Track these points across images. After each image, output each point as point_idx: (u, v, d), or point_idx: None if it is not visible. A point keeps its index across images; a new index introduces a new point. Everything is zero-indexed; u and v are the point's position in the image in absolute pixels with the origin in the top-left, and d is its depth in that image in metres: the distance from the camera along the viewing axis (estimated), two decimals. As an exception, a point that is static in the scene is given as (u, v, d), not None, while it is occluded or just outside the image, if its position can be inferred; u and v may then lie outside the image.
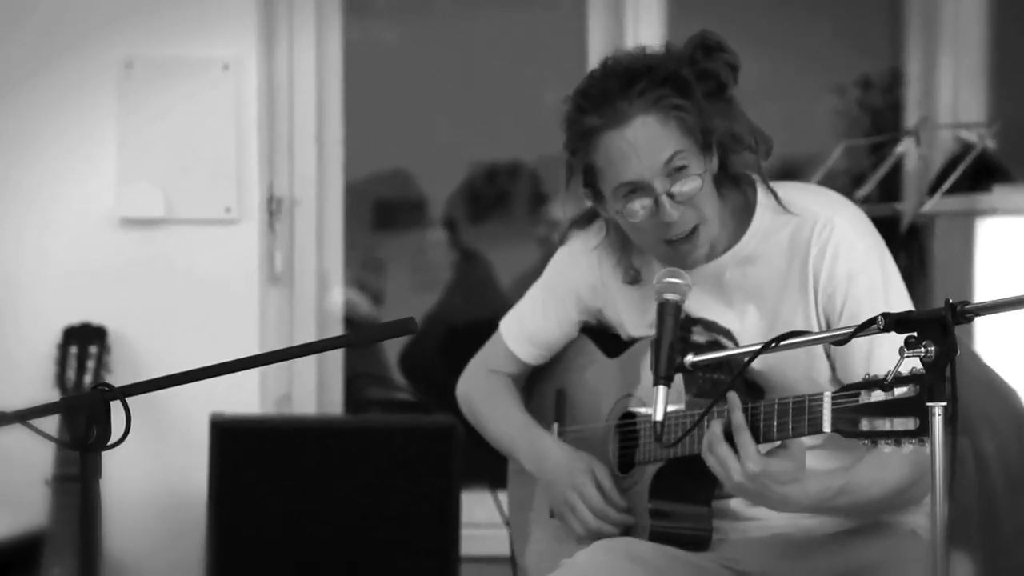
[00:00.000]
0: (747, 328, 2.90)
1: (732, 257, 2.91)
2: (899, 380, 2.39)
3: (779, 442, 2.65)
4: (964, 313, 2.30)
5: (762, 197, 2.91)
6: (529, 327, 3.20)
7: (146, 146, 4.42)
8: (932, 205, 4.41)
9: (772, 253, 2.89)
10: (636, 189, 2.81)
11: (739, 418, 2.64)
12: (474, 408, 3.27)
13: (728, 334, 2.91)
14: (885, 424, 2.42)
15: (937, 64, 4.83)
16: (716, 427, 2.66)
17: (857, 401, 2.46)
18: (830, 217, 2.86)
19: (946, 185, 4.40)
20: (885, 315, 2.36)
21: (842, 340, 2.47)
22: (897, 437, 2.40)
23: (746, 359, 2.62)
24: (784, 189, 2.92)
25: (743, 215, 2.92)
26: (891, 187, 4.75)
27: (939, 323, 2.30)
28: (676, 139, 2.79)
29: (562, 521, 3.07)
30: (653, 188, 2.79)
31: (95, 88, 4.43)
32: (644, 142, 2.78)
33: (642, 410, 2.96)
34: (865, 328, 2.40)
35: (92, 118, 4.43)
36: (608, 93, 2.81)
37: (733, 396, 2.65)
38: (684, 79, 2.82)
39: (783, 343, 2.53)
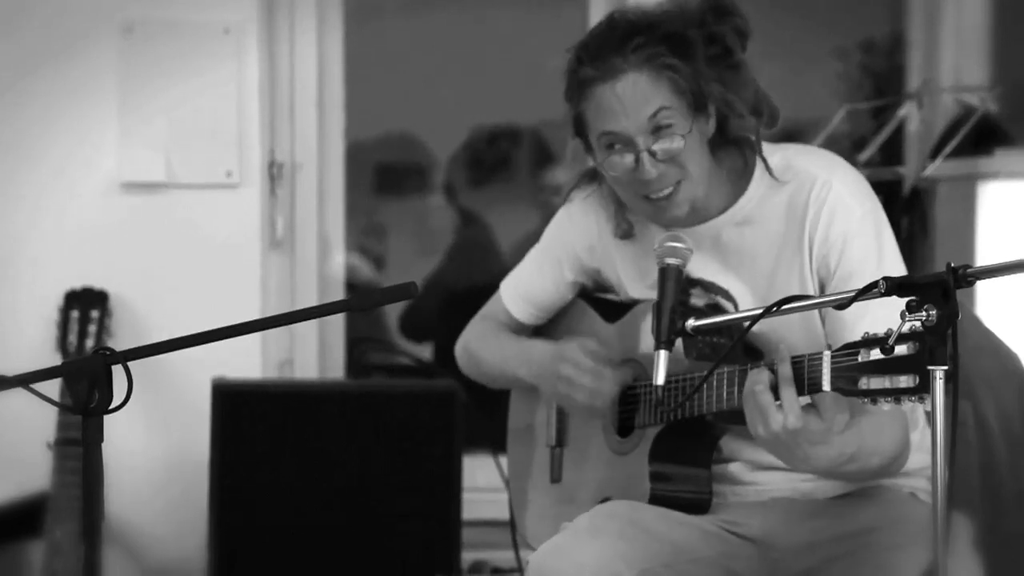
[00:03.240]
0: (744, 288, 2.91)
1: (730, 218, 2.92)
2: (899, 337, 2.38)
3: (808, 400, 2.61)
4: (966, 277, 2.30)
5: (760, 161, 2.92)
6: (525, 286, 3.22)
7: (147, 110, 4.41)
8: (934, 169, 4.40)
9: (770, 215, 2.89)
10: (618, 142, 2.81)
11: (787, 371, 2.58)
12: (470, 350, 3.28)
13: (727, 294, 2.92)
14: (884, 382, 2.41)
15: (939, 27, 4.81)
16: (763, 375, 2.61)
17: (856, 359, 2.46)
18: (828, 180, 2.86)
19: (948, 149, 4.39)
20: (887, 279, 2.36)
21: (843, 304, 2.47)
22: (897, 395, 2.40)
23: (747, 324, 2.61)
24: (785, 151, 2.93)
25: (741, 178, 2.93)
26: (893, 151, 4.74)
27: (941, 287, 2.30)
28: (663, 97, 2.79)
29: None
30: (636, 144, 2.80)
31: (96, 52, 4.41)
32: (631, 98, 2.79)
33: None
34: (866, 292, 2.40)
35: (93, 82, 4.42)
36: (605, 47, 2.81)
37: (783, 349, 2.61)
38: (686, 39, 2.81)
39: (784, 307, 2.53)
